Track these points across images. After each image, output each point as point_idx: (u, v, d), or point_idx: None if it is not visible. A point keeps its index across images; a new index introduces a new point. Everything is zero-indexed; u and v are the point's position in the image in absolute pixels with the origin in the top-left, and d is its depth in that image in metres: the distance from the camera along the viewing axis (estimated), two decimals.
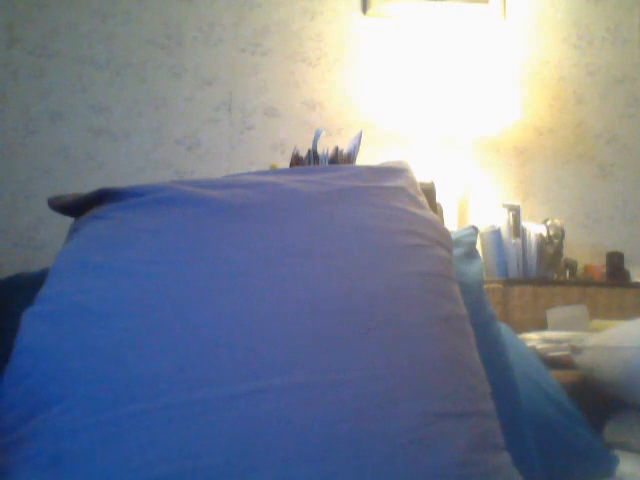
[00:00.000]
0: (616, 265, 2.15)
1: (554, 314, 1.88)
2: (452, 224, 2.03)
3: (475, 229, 1.06)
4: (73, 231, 0.79)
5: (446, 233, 0.83)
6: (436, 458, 0.60)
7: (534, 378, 1.10)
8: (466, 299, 0.79)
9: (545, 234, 2.06)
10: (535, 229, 2.07)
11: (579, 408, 1.10)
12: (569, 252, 2.18)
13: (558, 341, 1.56)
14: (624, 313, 1.80)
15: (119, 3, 2.16)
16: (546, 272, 2.06)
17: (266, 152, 2.18)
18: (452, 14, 2.28)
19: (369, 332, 0.65)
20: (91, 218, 0.77)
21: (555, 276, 2.09)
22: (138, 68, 2.15)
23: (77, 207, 0.81)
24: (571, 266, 2.16)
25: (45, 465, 0.59)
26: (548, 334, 1.65)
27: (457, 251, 0.95)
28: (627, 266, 2.17)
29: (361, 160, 1.52)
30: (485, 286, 0.98)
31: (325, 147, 1.51)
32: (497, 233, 2.04)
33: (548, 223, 2.09)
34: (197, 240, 0.71)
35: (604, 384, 1.25)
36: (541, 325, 1.85)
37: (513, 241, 2.05)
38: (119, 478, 0.57)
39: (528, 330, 1.70)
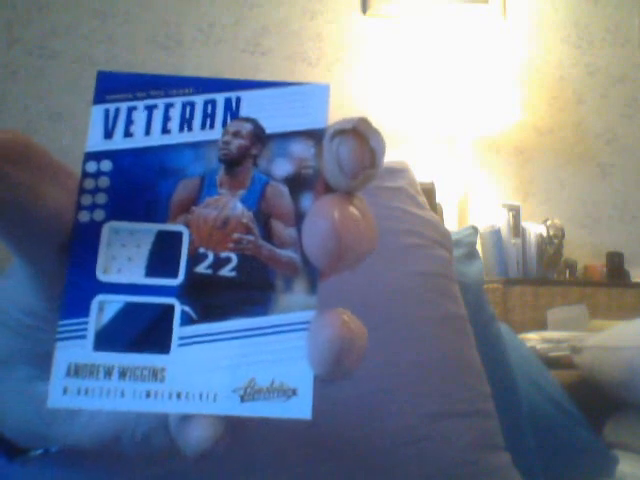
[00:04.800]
0: (616, 265, 2.15)
1: (554, 314, 1.88)
2: (452, 224, 2.03)
3: (475, 229, 1.06)
4: None
5: (446, 233, 0.83)
6: (436, 458, 0.60)
7: (534, 378, 1.10)
8: (466, 299, 0.79)
9: (545, 234, 2.06)
10: (535, 229, 2.07)
11: (579, 408, 1.10)
12: (569, 252, 2.18)
13: (558, 341, 1.56)
14: (624, 313, 1.80)
15: (119, 3, 2.16)
16: (546, 272, 2.07)
17: None
18: (452, 14, 2.28)
19: (369, 332, 0.65)
20: None
21: (555, 276, 2.10)
22: (138, 68, 2.15)
23: None
24: (571, 266, 2.16)
25: None
26: (548, 334, 1.65)
27: (457, 252, 0.95)
28: (627, 266, 2.18)
29: None
30: (485, 286, 0.98)
31: None
32: (497, 233, 2.04)
33: (548, 223, 2.09)
34: None
35: (604, 384, 1.25)
36: (541, 325, 1.85)
37: (513, 241, 2.05)
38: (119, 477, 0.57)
39: (528, 330, 1.70)
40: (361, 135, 0.23)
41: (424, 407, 0.63)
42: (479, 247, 1.98)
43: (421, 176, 0.87)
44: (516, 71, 2.30)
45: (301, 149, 0.25)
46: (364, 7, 2.28)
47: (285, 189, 0.25)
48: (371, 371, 0.63)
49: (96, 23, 2.14)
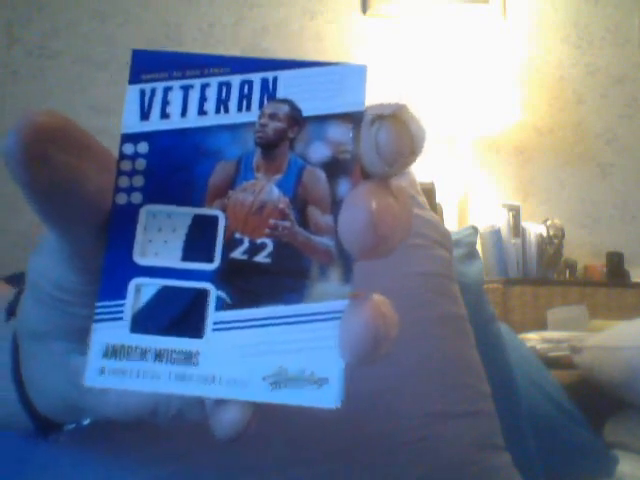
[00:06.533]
0: (616, 265, 2.15)
1: (554, 314, 1.88)
2: (452, 224, 2.03)
3: (475, 229, 1.06)
4: None
5: (446, 233, 0.83)
6: (436, 458, 0.60)
7: (534, 378, 1.10)
8: (466, 299, 0.79)
9: (545, 234, 2.06)
10: (535, 229, 2.07)
11: (579, 408, 1.10)
12: (569, 252, 2.18)
13: (558, 341, 1.56)
14: (624, 313, 1.80)
15: (119, 3, 2.16)
16: (546, 272, 2.07)
17: None
18: (452, 14, 2.28)
19: None
20: None
21: (555, 276, 2.10)
22: None
23: None
24: (571, 266, 2.16)
25: None
26: (548, 334, 1.65)
27: (457, 252, 0.95)
28: (627, 266, 2.18)
29: None
30: (485, 286, 0.98)
31: None
32: (497, 233, 2.04)
33: (548, 223, 2.09)
34: None
35: (604, 384, 1.25)
36: (541, 325, 1.85)
37: (513, 241, 2.05)
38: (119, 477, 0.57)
39: (528, 330, 1.70)
40: (401, 121, 0.23)
41: (424, 407, 0.63)
42: (479, 247, 1.98)
43: (421, 176, 0.87)
44: (516, 71, 2.30)
45: (338, 132, 0.25)
46: (364, 7, 2.28)
47: (322, 174, 0.25)
48: (373, 372, 0.63)
49: (96, 23, 2.14)
